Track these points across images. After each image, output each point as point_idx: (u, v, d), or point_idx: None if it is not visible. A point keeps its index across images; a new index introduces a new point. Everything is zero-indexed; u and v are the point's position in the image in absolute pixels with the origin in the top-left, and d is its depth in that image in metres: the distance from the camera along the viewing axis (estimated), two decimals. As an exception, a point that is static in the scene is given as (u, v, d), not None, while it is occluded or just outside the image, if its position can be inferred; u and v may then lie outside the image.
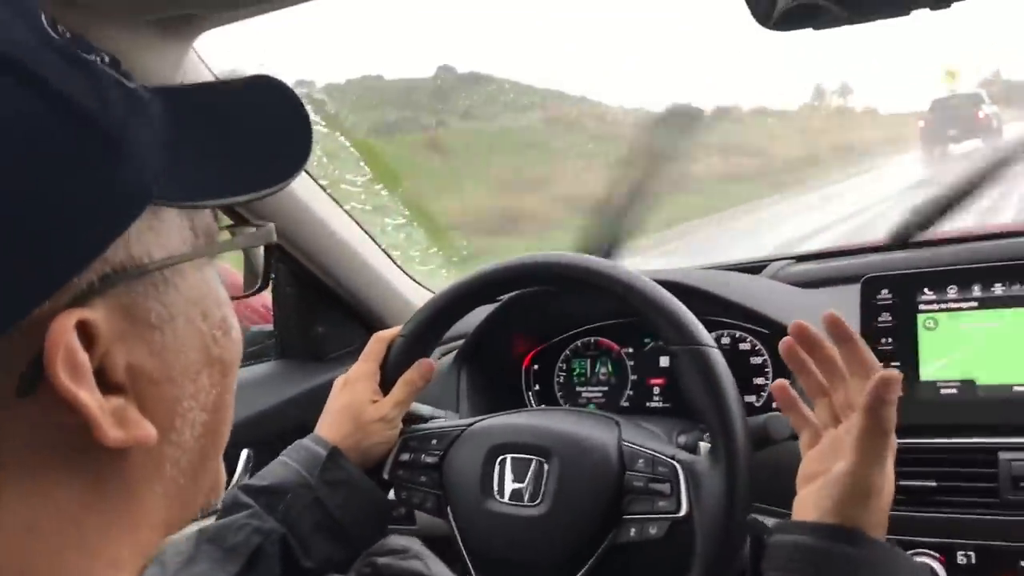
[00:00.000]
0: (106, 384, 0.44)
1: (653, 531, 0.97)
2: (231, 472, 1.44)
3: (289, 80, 0.56)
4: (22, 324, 0.41)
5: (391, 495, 1.11)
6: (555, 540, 1.01)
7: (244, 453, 1.45)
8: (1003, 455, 1.02)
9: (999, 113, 15.64)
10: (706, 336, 1.01)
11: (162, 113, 0.49)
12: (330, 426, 1.07)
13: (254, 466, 1.45)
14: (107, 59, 0.47)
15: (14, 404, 0.41)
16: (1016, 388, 1.04)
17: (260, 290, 0.62)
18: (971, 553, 1.02)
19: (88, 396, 0.42)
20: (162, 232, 0.47)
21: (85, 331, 0.43)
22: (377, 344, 1.15)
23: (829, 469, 0.78)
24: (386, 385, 1.11)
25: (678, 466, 0.99)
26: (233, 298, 0.56)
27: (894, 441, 0.77)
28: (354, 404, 1.08)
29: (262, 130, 0.54)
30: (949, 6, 0.82)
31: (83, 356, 0.42)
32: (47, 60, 0.42)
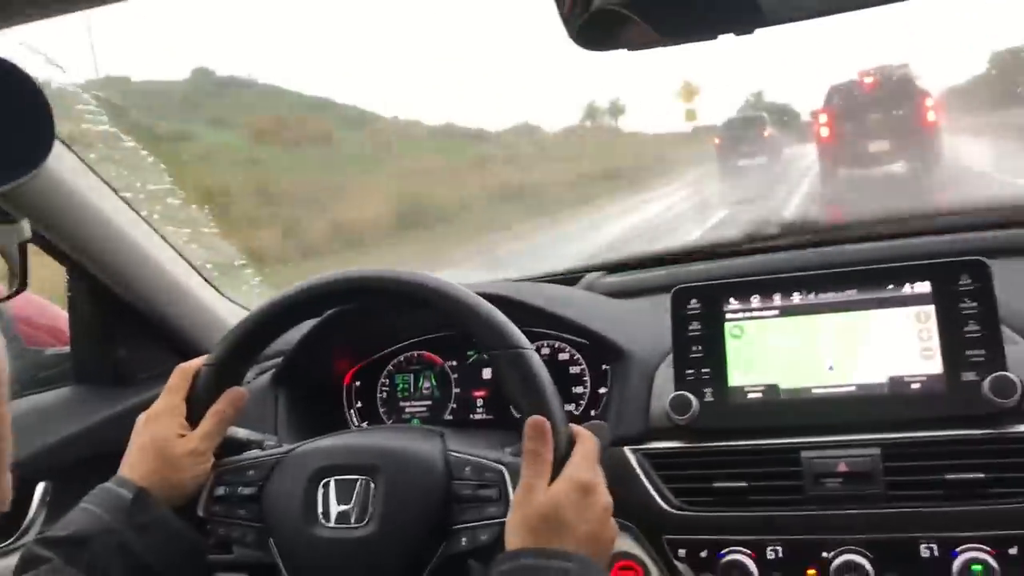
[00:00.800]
0: None
1: (484, 538, 0.96)
2: (26, 508, 1.33)
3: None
4: None
5: (208, 531, 1.05)
6: (386, 559, 0.99)
7: (40, 487, 1.34)
8: (805, 454, 1.09)
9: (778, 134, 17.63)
10: (522, 339, 1.01)
11: None
12: (133, 466, 1.00)
13: (53, 500, 1.34)
14: None
15: None
16: (814, 391, 1.12)
17: (18, 292, 0.57)
18: (779, 548, 1.08)
19: None
20: None
21: None
22: (180, 376, 1.08)
23: None
24: (195, 418, 1.05)
25: (504, 470, 0.99)
26: None
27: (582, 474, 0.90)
28: (158, 440, 1.02)
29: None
30: (752, 32, 0.86)
31: None
32: None
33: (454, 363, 1.45)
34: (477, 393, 1.43)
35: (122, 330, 1.47)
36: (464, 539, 0.98)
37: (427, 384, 1.46)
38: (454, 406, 1.43)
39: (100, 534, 0.91)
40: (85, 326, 1.50)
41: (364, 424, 1.45)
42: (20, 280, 0.56)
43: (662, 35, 1.01)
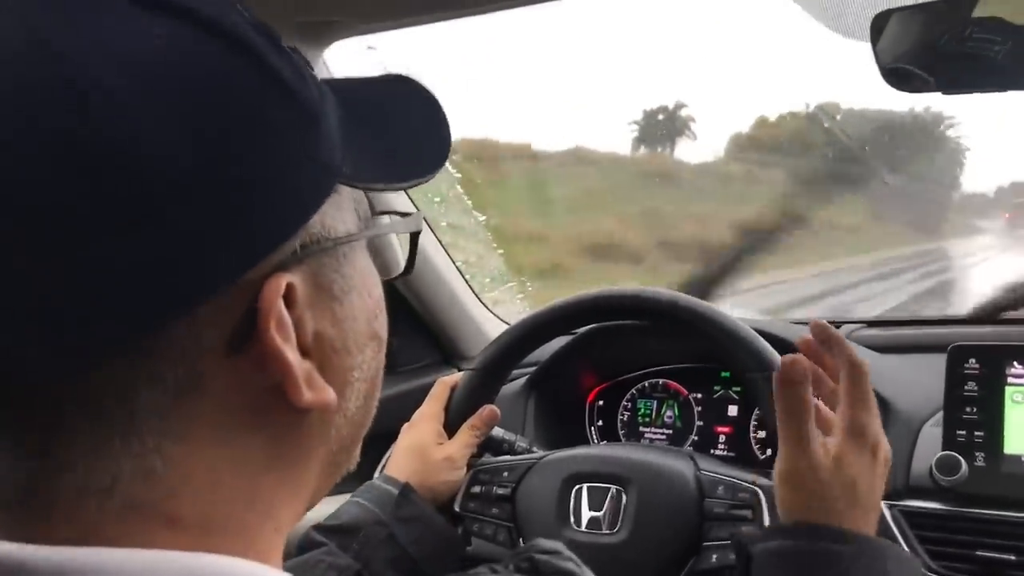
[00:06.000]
0: (298, 348, 0.46)
1: (735, 557, 0.97)
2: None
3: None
4: (236, 284, 0.42)
5: (463, 527, 1.14)
6: (635, 567, 1.01)
7: None
8: None
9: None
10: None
11: (334, 100, 0.51)
12: (398, 465, 1.10)
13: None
14: (292, 48, 0.49)
15: (221, 360, 0.43)
16: (1105, 470, 1.04)
17: (405, 274, 0.64)
18: (1046, 631, 1.01)
19: (293, 356, 0.44)
20: (343, 208, 0.49)
21: (286, 295, 0.44)
22: (442, 387, 1.19)
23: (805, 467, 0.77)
24: (450, 427, 1.15)
25: (759, 491, 1.00)
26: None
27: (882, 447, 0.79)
28: (420, 444, 1.12)
29: (409, 125, 0.56)
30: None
31: (288, 318, 0.44)
32: (256, 38, 0.44)
33: (698, 395, 1.46)
34: (720, 428, 1.43)
35: (396, 322, 1.59)
36: (714, 556, 0.99)
37: (669, 413, 1.47)
38: (695, 438, 1.44)
39: (370, 525, 1.00)
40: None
41: (603, 443, 1.49)
42: (408, 265, 0.63)
43: (943, 84, 1.02)
